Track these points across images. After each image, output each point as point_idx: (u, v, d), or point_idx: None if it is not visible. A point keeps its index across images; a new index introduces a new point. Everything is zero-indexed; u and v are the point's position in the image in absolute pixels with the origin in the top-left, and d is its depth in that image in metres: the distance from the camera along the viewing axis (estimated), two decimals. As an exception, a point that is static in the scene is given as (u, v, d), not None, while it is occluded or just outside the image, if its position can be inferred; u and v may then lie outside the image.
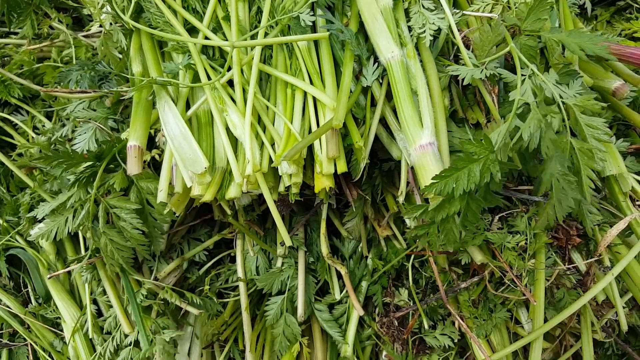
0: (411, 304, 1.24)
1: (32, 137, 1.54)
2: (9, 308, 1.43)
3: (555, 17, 1.28)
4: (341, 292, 1.31)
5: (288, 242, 1.01)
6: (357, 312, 1.24)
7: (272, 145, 1.03)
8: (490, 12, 1.20)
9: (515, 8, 1.17)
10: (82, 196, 1.07)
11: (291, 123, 1.00)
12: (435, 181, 0.80)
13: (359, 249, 1.33)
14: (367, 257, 1.33)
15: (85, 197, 1.07)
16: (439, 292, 1.20)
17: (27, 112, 1.63)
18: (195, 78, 1.10)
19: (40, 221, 1.29)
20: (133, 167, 0.98)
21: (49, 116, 1.58)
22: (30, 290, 1.47)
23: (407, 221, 1.19)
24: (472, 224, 0.87)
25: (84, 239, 1.37)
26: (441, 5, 1.13)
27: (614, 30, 1.53)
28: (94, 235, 1.10)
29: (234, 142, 1.05)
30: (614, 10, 1.60)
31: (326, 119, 0.99)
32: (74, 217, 1.08)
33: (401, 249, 1.25)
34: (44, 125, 1.56)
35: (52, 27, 1.63)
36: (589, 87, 1.22)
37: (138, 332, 1.17)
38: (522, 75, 0.97)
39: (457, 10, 1.18)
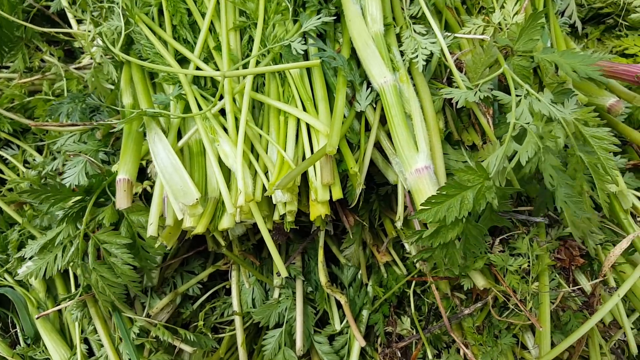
0: (414, 333, 1.20)
1: (22, 172, 1.52)
2: (-3, 350, 1.38)
3: (547, 37, 1.28)
4: (341, 322, 1.27)
5: (284, 274, 0.98)
6: (358, 343, 1.20)
7: (266, 173, 1.00)
8: (482, 33, 1.20)
9: (507, 29, 1.17)
10: (71, 232, 1.04)
11: (284, 150, 0.98)
12: (426, 207, 0.78)
13: (359, 276, 1.30)
14: (367, 284, 1.29)
15: (75, 233, 1.04)
16: (442, 319, 1.16)
17: (18, 146, 1.61)
18: (187, 108, 1.08)
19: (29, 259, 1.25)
20: (122, 201, 0.95)
21: (39, 150, 1.56)
22: (18, 330, 1.42)
23: (407, 246, 1.16)
24: (475, 248, 0.85)
25: (75, 275, 1.33)
26: (432, 30, 1.13)
27: (605, 48, 1.54)
28: (85, 272, 1.07)
29: (227, 171, 1.03)
30: (604, 28, 1.61)
31: (320, 145, 0.97)
32: (63, 253, 1.05)
33: (401, 275, 1.22)
34: (34, 159, 1.54)
35: (44, 60, 1.62)
36: (584, 104, 1.22)
37: (131, 372, 1.12)
38: (517, 95, 0.96)
39: (449, 34, 1.18)
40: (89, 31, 1.38)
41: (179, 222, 1.02)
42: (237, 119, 1.02)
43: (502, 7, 1.26)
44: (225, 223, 1.01)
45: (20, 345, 1.40)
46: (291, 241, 1.31)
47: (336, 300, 1.28)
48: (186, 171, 0.96)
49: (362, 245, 1.25)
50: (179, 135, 1.09)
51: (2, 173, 1.59)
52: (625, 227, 1.15)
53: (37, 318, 1.28)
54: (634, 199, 1.23)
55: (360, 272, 1.30)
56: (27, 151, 1.57)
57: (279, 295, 1.26)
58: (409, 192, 1.00)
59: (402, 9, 1.19)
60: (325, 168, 0.92)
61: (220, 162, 1.01)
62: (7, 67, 1.70)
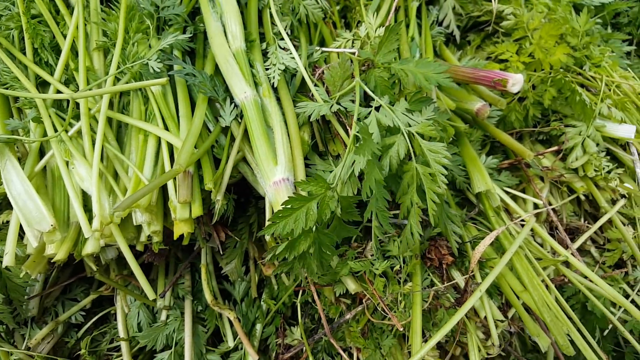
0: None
1: None
2: None
3: (416, 48, 1.34)
4: (234, 338, 1.26)
5: (151, 296, 0.96)
6: (251, 358, 1.20)
7: (126, 194, 0.99)
8: (352, 47, 1.24)
9: (371, 43, 1.22)
10: None
11: (142, 170, 0.97)
12: (273, 222, 0.80)
13: (250, 291, 1.30)
14: (259, 298, 1.29)
15: None
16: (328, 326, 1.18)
17: None
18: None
19: None
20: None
21: None
22: None
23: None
24: (330, 256, 0.87)
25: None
26: (300, 44, 1.16)
27: (483, 54, 1.63)
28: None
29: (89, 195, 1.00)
30: (484, 36, 1.70)
31: (180, 163, 0.97)
32: None
33: (290, 286, 1.23)
34: None
35: None
36: (452, 110, 1.28)
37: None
38: (370, 106, 0.99)
39: (318, 48, 1.21)
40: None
41: (41, 250, 0.99)
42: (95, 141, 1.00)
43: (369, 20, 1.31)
44: (89, 248, 0.98)
45: None
46: (179, 260, 1.30)
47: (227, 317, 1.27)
48: (41, 198, 0.94)
49: (248, 258, 1.25)
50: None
51: None
52: (492, 225, 1.22)
53: None
54: (507, 198, 1.30)
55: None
56: None
57: (167, 317, 1.23)
58: (272, 204, 1.01)
59: (274, 24, 1.22)
60: (182, 186, 0.92)
61: (80, 186, 0.99)
62: None
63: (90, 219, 0.94)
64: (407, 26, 1.43)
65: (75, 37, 1.11)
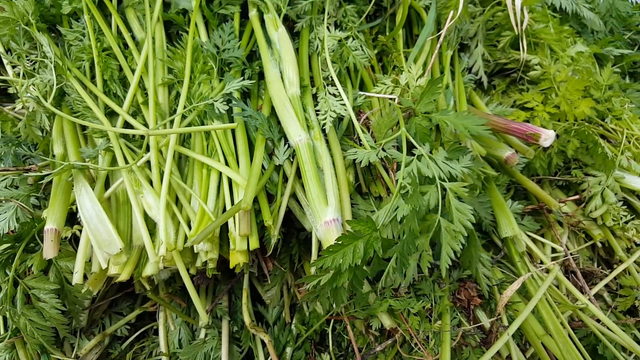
0: (333, 368, 1.29)
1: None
2: None
3: (450, 96, 1.43)
4: (265, 359, 1.34)
5: (204, 319, 1.05)
6: (282, 379, 1.27)
7: (189, 223, 1.08)
8: (391, 93, 1.34)
9: (412, 91, 1.31)
10: (0, 278, 1.07)
11: (206, 202, 1.06)
12: (325, 255, 0.88)
13: (283, 315, 1.37)
14: (291, 323, 1.37)
15: (4, 279, 1.07)
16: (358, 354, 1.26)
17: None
18: (115, 160, 1.14)
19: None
20: (49, 251, 1.00)
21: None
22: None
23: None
24: (359, 288, 0.95)
25: (4, 317, 1.34)
26: (347, 90, 1.25)
27: (509, 100, 1.72)
28: (14, 316, 1.09)
29: (152, 221, 1.09)
30: (509, 81, 1.80)
31: (240, 196, 1.06)
32: (-12, 300, 1.07)
33: (322, 314, 1.31)
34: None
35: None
36: (483, 156, 1.37)
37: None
38: (412, 155, 1.08)
39: (362, 93, 1.30)
40: (23, 80, 1.43)
41: (105, 270, 1.07)
42: (162, 172, 1.09)
43: (410, 69, 1.41)
44: (149, 270, 1.07)
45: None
46: (218, 282, 1.38)
47: (261, 338, 1.35)
48: (111, 222, 1.02)
49: (285, 285, 1.34)
50: (107, 185, 1.15)
51: None
52: (518, 270, 1.30)
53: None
54: (530, 242, 1.38)
55: (283, 311, 1.38)
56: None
57: (205, 335, 1.31)
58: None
59: (323, 70, 1.31)
60: (242, 220, 1.01)
61: (145, 212, 1.07)
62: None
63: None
64: (441, 72, 1.52)
65: (142, 72, 1.20)
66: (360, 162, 1.08)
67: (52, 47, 1.19)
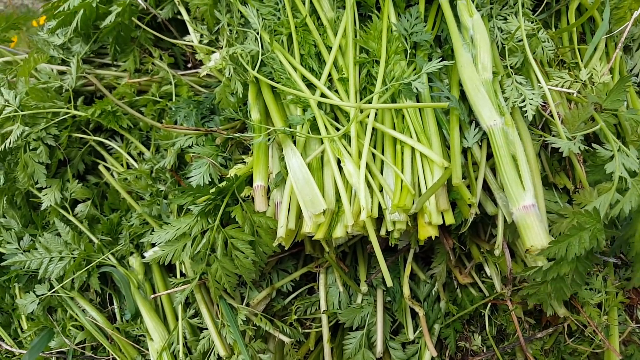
0: (484, 350, 1.33)
1: (129, 164, 1.67)
2: (96, 322, 1.53)
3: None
4: (414, 332, 1.40)
5: (389, 283, 1.12)
6: (430, 352, 1.33)
7: (380, 191, 1.15)
8: (569, 88, 1.34)
9: (594, 87, 1.31)
10: (204, 225, 1.19)
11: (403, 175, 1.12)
12: (550, 245, 0.92)
13: (433, 292, 1.43)
14: (440, 300, 1.42)
15: (207, 226, 1.19)
16: (509, 339, 1.30)
17: (121, 138, 1.77)
18: (311, 129, 1.23)
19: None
20: (260, 204, 1.11)
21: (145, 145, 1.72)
22: (116, 307, 1.58)
23: (488, 271, 1.30)
24: (580, 283, 0.98)
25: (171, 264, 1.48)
26: (529, 80, 1.27)
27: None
28: (206, 261, 1.21)
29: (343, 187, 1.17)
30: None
31: (434, 174, 1.12)
32: (192, 243, 1.20)
33: (478, 297, 1.35)
34: (140, 154, 1.70)
35: (154, 64, 1.79)
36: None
37: (238, 356, 1.26)
38: (609, 150, 1.09)
39: (541, 85, 1.32)
40: (208, 47, 1.56)
41: (296, 227, 1.17)
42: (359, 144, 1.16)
43: (586, 65, 1.41)
44: (338, 232, 1.15)
45: (117, 320, 1.55)
46: (372, 254, 1.45)
47: (410, 311, 1.41)
48: (316, 184, 1.11)
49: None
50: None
51: (105, 161, 1.76)
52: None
53: (153, 298, 1.43)
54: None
55: (434, 288, 1.43)
56: (132, 145, 1.73)
57: (362, 301, 1.39)
58: (506, 224, 1.14)
59: (502, 58, 1.34)
60: (441, 196, 1.07)
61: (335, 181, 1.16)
62: (116, 65, 1.87)
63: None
64: (610, 72, 1.51)
65: (336, 50, 1.28)
66: (565, 153, 1.11)
67: (258, 20, 1.29)
